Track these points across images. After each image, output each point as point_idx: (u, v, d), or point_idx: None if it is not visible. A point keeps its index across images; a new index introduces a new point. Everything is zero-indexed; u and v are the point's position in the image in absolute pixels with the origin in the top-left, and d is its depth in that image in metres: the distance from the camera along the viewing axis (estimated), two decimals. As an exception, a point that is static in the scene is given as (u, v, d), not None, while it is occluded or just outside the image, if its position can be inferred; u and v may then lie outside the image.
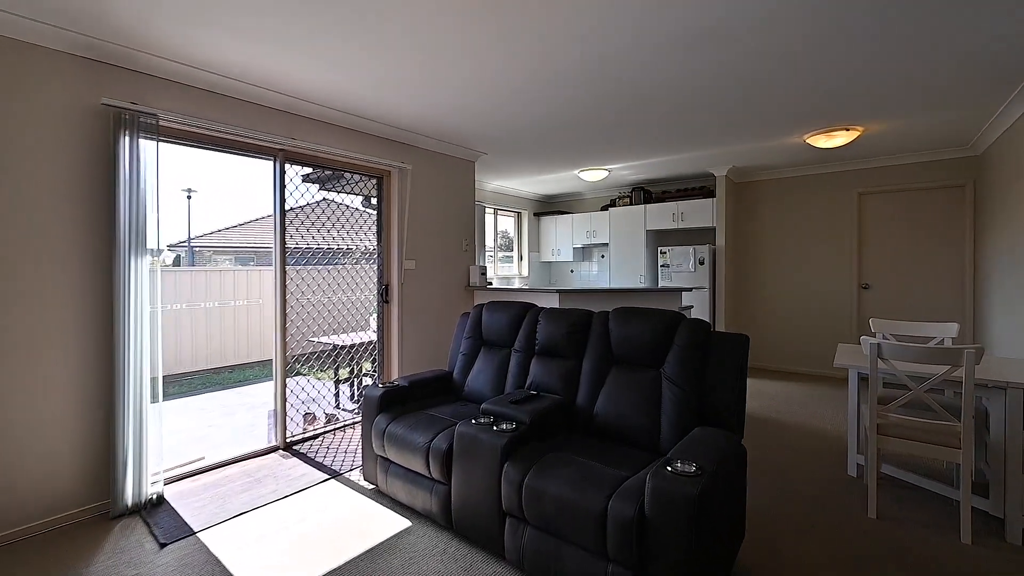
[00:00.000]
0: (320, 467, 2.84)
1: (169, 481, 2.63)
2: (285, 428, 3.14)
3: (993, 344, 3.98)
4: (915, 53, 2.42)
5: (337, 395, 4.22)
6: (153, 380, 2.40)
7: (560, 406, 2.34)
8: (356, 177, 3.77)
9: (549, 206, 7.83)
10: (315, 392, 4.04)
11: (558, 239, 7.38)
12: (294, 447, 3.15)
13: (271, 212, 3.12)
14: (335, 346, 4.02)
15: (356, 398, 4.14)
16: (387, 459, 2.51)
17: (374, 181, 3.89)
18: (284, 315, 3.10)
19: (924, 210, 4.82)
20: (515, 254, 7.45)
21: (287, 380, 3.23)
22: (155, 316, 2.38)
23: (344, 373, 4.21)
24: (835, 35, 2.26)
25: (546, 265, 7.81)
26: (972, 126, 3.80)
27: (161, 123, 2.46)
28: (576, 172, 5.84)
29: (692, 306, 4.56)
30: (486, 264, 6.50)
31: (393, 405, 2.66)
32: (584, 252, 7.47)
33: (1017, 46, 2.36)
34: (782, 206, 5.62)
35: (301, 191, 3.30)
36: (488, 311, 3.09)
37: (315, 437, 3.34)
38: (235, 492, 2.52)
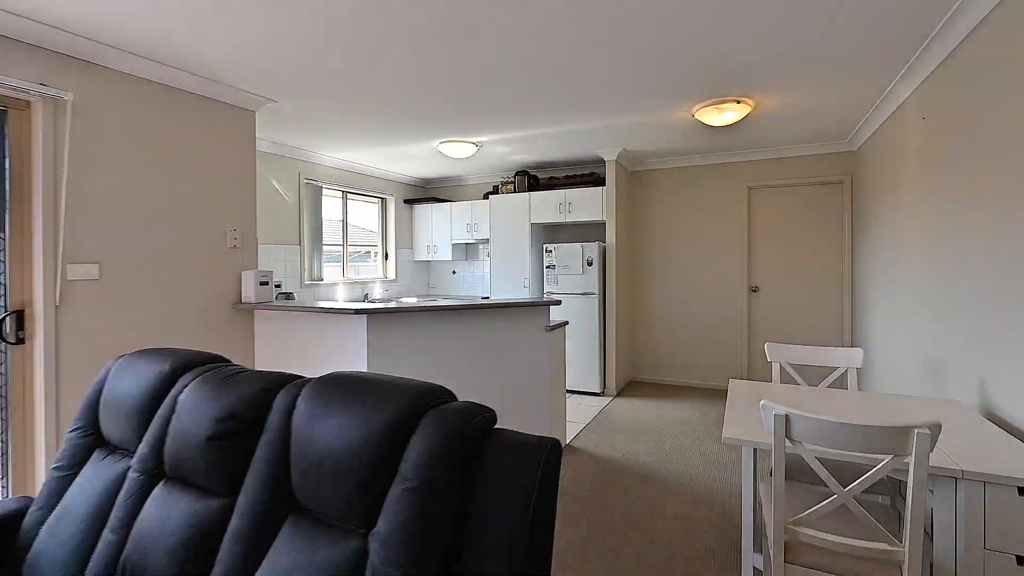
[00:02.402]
0: None
1: None
2: None
3: (870, 350, 3.79)
4: (808, 13, 2.11)
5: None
6: None
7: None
8: None
9: (424, 192, 6.29)
10: None
11: (434, 233, 5.89)
12: None
13: None
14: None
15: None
16: None
17: (-10, 117, 2.10)
18: None
19: (808, 207, 4.61)
20: (380, 251, 5.81)
21: None
22: None
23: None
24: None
25: (423, 265, 6.27)
26: (852, 117, 3.63)
27: None
28: (435, 144, 4.35)
29: (567, 322, 3.26)
30: (322, 265, 4.81)
31: None
32: (468, 250, 6.05)
33: (909, 13, 2.10)
34: (673, 200, 5.12)
35: None
36: (118, 373, 1.50)
37: None
38: None
